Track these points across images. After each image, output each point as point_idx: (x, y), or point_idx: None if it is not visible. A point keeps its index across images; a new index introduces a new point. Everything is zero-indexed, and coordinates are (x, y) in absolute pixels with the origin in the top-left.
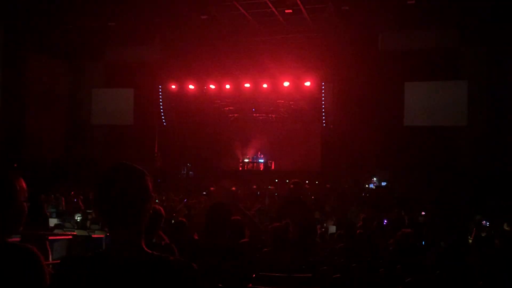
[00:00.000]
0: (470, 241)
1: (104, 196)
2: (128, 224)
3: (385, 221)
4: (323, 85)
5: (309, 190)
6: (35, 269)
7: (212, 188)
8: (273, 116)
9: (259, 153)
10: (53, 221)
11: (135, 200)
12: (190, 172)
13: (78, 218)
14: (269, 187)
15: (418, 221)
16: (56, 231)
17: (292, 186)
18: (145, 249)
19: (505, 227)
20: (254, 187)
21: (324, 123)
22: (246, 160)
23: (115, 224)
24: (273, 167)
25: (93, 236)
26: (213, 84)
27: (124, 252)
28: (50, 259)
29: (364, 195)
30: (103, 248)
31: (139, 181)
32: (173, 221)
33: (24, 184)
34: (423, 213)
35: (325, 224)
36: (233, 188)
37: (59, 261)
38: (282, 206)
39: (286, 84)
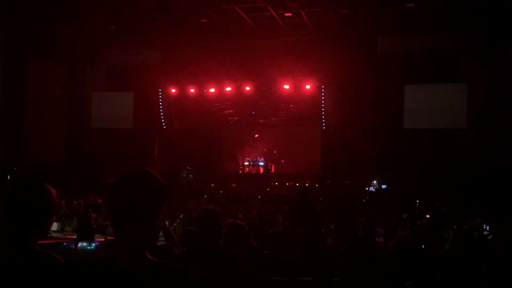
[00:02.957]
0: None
1: (114, 199)
2: (132, 230)
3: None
4: (323, 88)
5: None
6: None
7: (212, 185)
8: (273, 119)
9: (259, 156)
10: (53, 225)
11: (144, 208)
12: (190, 176)
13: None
14: (267, 189)
15: (419, 224)
16: (55, 234)
17: (299, 190)
18: (148, 256)
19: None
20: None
21: (324, 126)
22: (246, 163)
23: (120, 228)
24: (273, 170)
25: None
26: (213, 88)
27: (125, 258)
28: None
29: (364, 198)
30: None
31: (152, 190)
32: (174, 225)
33: (55, 195)
34: (427, 216)
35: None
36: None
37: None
38: (292, 210)
39: (286, 87)
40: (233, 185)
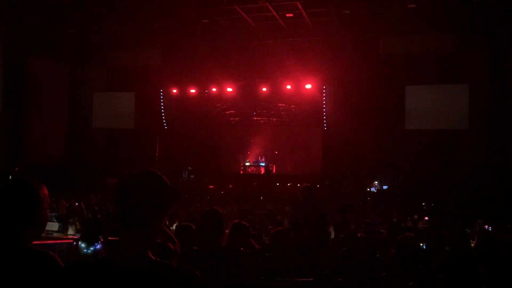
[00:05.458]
0: (473, 245)
1: (121, 199)
2: (138, 230)
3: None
4: (324, 89)
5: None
6: (54, 274)
7: (211, 186)
8: (274, 119)
9: (260, 156)
10: (54, 226)
11: (150, 210)
12: (191, 176)
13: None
14: (260, 198)
15: (420, 225)
16: (56, 235)
17: (304, 191)
18: (151, 256)
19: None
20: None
21: (325, 126)
22: (247, 164)
23: (125, 228)
24: (274, 171)
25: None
26: (214, 88)
27: (129, 258)
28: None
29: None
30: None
31: (159, 192)
32: (175, 225)
33: (46, 192)
34: (426, 218)
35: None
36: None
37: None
38: (297, 212)
39: (287, 87)
40: (230, 186)
